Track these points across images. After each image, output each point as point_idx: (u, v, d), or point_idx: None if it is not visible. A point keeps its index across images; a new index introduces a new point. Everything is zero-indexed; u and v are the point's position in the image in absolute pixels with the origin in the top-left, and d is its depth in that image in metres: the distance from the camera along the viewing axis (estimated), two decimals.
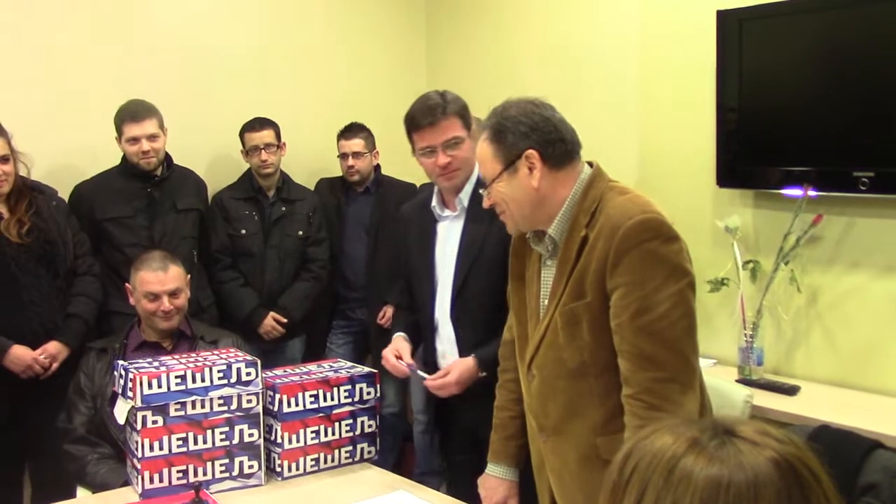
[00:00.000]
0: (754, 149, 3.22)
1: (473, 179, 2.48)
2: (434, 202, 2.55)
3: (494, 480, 2.19)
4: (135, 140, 3.44)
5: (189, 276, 2.97)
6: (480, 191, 2.04)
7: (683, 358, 1.79)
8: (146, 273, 2.84)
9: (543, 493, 2.05)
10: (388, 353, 2.52)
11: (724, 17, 3.25)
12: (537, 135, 1.88)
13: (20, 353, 3.11)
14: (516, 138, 1.88)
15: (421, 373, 2.48)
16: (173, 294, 2.82)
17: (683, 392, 1.78)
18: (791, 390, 3.02)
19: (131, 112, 3.44)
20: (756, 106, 3.20)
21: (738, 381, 3.05)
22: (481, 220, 2.40)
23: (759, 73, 3.17)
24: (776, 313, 3.24)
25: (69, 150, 3.64)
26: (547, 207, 1.91)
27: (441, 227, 2.55)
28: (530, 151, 1.88)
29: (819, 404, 2.88)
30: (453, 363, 2.43)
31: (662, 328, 1.76)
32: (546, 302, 1.95)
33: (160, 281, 2.82)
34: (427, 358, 2.61)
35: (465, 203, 2.49)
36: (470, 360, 2.39)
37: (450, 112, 2.41)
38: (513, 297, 2.10)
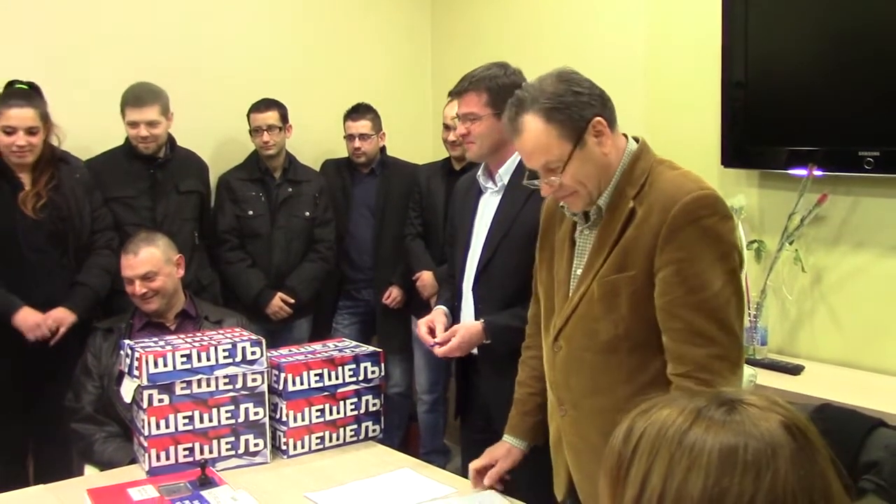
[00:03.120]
0: (760, 129, 3.21)
1: (516, 157, 2.44)
2: (480, 173, 2.55)
3: (503, 444, 2.18)
4: (134, 124, 3.45)
5: (180, 256, 2.96)
6: (536, 182, 1.91)
7: (734, 336, 1.78)
8: (122, 258, 2.88)
9: (560, 469, 2.05)
10: (421, 323, 2.53)
11: None
12: (596, 99, 1.83)
13: (28, 314, 3.14)
14: (579, 109, 1.81)
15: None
16: (146, 277, 2.82)
17: (734, 371, 1.77)
18: (795, 370, 3.02)
19: (135, 96, 3.45)
20: (762, 85, 3.19)
21: None
22: (517, 199, 2.41)
23: (765, 53, 3.16)
24: (780, 293, 3.24)
25: (75, 131, 3.64)
26: (608, 174, 1.85)
27: (482, 200, 2.55)
28: (596, 118, 1.81)
29: (823, 384, 2.88)
30: (459, 326, 2.45)
31: (717, 306, 1.75)
32: (580, 272, 1.90)
33: (130, 265, 2.84)
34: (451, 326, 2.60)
35: (505, 180, 2.48)
36: (477, 325, 2.41)
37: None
38: (541, 267, 2.06)
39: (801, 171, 3.05)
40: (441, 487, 2.20)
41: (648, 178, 1.83)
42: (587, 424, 1.92)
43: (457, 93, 2.47)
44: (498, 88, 2.40)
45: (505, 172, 2.49)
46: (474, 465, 2.19)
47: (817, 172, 3.01)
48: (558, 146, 1.81)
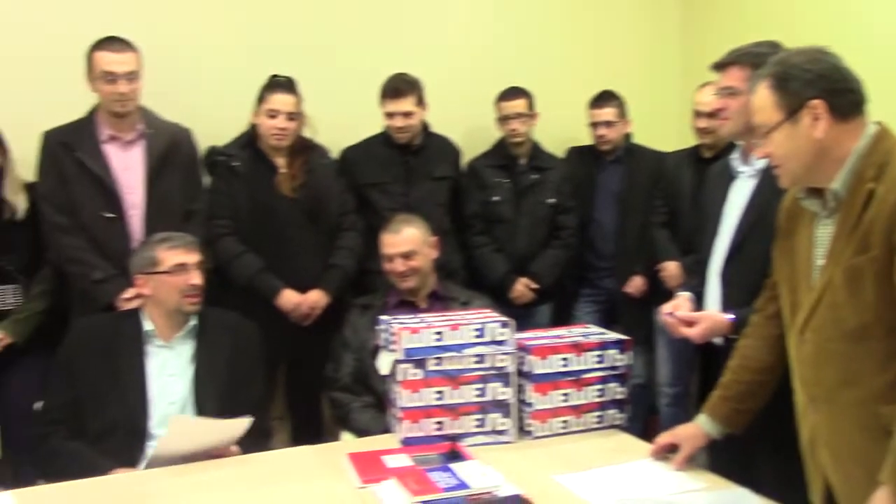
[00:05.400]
0: None
1: None
2: (735, 155, 2.50)
3: (693, 426, 2.23)
4: (391, 115, 3.63)
5: (435, 238, 3.09)
6: (754, 141, 1.96)
7: None
8: (383, 235, 3.02)
9: (815, 474, 1.95)
10: (665, 307, 2.49)
11: None
12: (824, 83, 1.80)
13: (289, 297, 3.41)
14: (801, 86, 1.80)
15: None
16: (406, 256, 2.95)
17: None
18: None
19: (392, 88, 3.63)
20: None
21: None
22: (772, 184, 2.32)
23: None
24: None
25: (333, 121, 3.87)
26: (828, 161, 1.82)
27: (735, 185, 2.49)
28: (816, 101, 1.79)
29: None
30: (706, 315, 2.38)
31: None
32: (821, 262, 1.86)
33: (392, 243, 2.98)
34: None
35: (761, 164, 2.39)
36: (725, 321, 2.33)
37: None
38: (781, 261, 2.02)
39: None
40: (690, 482, 2.14)
41: (889, 157, 1.76)
42: (843, 420, 1.84)
43: (720, 65, 2.41)
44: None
45: (763, 158, 2.39)
46: (659, 439, 2.29)
47: None
48: (770, 113, 1.84)
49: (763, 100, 1.86)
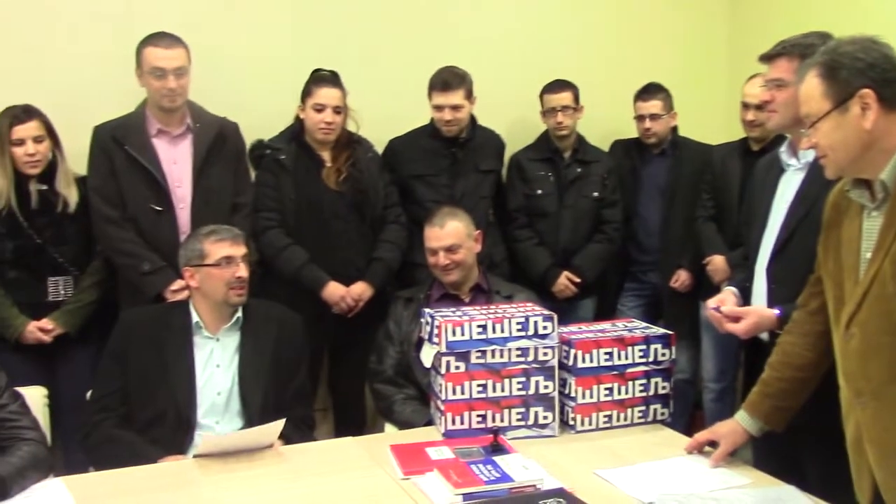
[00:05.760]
0: None
1: None
2: (783, 148, 2.46)
3: (733, 422, 2.21)
4: (440, 108, 3.63)
5: (479, 231, 3.10)
6: (802, 130, 1.94)
7: None
8: (427, 229, 3.03)
9: (862, 472, 1.91)
10: (710, 302, 2.48)
11: None
12: (875, 72, 1.77)
13: (334, 289, 3.43)
14: (851, 75, 1.78)
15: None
16: (449, 249, 2.95)
17: None
18: None
19: (441, 81, 3.63)
20: None
21: None
22: (821, 178, 2.29)
23: None
24: None
25: (378, 114, 3.89)
26: (876, 151, 1.79)
27: (784, 179, 2.46)
28: (866, 90, 1.76)
29: None
30: (752, 310, 2.35)
31: None
32: (869, 255, 1.83)
33: (436, 237, 2.98)
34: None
35: (809, 157, 2.36)
36: (771, 314, 2.30)
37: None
38: (827, 256, 1.99)
39: None
40: (734, 478, 2.12)
41: None
42: (890, 415, 1.80)
43: (768, 57, 2.37)
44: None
45: (809, 149, 2.35)
46: (697, 435, 2.30)
47: None
48: (818, 102, 1.82)
49: (811, 88, 1.84)
